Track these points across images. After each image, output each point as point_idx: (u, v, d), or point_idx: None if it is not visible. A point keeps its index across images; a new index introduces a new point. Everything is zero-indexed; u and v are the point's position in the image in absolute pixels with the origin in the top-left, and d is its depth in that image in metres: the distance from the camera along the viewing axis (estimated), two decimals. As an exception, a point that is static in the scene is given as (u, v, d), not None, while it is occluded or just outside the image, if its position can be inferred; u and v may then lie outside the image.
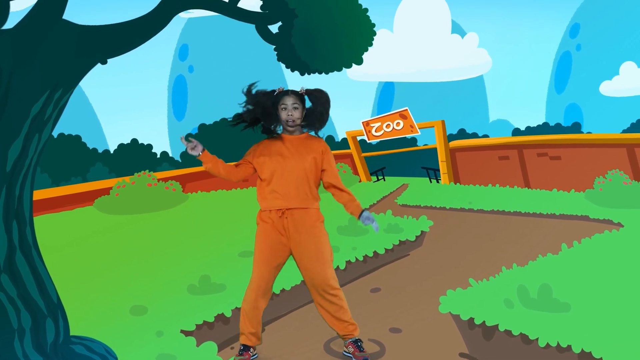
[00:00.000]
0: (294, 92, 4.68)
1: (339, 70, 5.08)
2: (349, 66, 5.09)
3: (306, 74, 5.08)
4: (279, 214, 4.71)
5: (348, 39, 5.02)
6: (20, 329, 4.10)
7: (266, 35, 5.12)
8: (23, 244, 4.24)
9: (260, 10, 5.05)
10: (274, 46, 5.13)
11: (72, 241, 9.81)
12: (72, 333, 4.79)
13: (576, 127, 31.03)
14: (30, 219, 4.37)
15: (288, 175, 4.68)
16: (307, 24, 4.92)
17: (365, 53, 5.11)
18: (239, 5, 4.97)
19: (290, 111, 4.63)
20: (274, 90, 4.70)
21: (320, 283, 4.70)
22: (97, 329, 5.16)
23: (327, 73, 5.07)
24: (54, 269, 4.79)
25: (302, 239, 4.71)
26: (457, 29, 36.92)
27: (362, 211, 4.82)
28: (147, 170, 14.55)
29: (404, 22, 36.40)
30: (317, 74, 5.07)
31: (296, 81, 5.45)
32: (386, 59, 34.78)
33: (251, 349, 4.91)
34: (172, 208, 13.69)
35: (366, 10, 5.07)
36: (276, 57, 5.12)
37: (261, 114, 4.68)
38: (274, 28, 5.11)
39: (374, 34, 5.11)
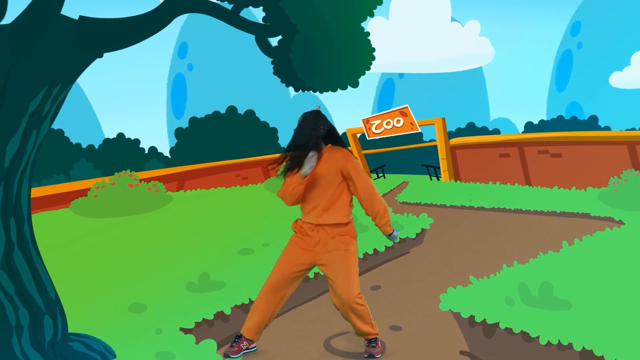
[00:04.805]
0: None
1: (334, 90, 5.06)
2: (344, 88, 5.07)
3: (300, 90, 5.06)
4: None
5: (347, 61, 5.00)
6: (18, 326, 4.08)
7: (265, 48, 5.11)
8: (21, 241, 4.22)
9: (261, 22, 5.02)
10: (272, 59, 5.12)
11: (55, 245, 9.42)
12: (70, 331, 4.76)
13: (587, 123, 30.91)
14: (29, 216, 4.35)
15: None
16: (308, 41, 4.89)
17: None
18: (241, 14, 4.94)
19: None
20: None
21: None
22: (95, 326, 5.14)
23: (321, 92, 5.06)
24: (48, 269, 4.76)
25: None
26: (455, 19, 36.75)
27: None
28: (129, 170, 13.65)
29: (400, 9, 35.92)
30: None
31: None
32: (383, 49, 34.32)
33: (245, 342, 4.93)
34: (155, 210, 12.85)
35: (368, 33, 5.04)
36: (272, 71, 5.10)
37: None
38: (273, 41, 5.09)
39: (373, 58, 5.09)
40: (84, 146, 25.73)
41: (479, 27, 36.14)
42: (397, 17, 35.84)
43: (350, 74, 5.05)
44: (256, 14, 5.19)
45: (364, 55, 5.05)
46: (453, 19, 36.57)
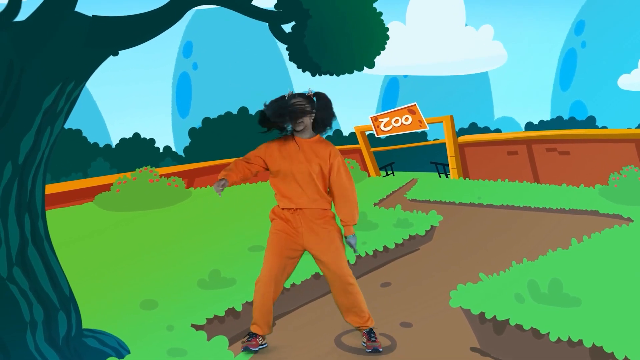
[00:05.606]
0: (301, 95, 4.83)
1: (351, 72, 5.07)
2: (361, 69, 5.08)
3: (317, 74, 5.08)
4: (291, 211, 4.89)
5: (360, 42, 5.01)
6: (32, 322, 4.11)
7: (279, 35, 5.11)
8: (35, 237, 4.25)
9: (274, 9, 5.04)
10: (287, 45, 5.13)
11: (75, 238, 9.62)
12: (84, 327, 4.79)
13: (591, 121, 30.78)
14: (43, 212, 4.39)
15: (294, 178, 4.86)
16: (321, 25, 4.90)
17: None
18: (253, 2, 4.95)
19: None
20: (284, 96, 4.81)
21: (337, 274, 4.84)
22: (108, 322, 5.16)
23: (338, 75, 5.07)
24: (63, 264, 4.80)
25: (314, 234, 4.87)
26: (469, 23, 36.66)
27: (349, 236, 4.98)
28: (149, 166, 14.04)
29: (417, 14, 35.92)
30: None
31: (300, 78, 5.43)
32: (399, 52, 34.29)
33: (259, 338, 5.00)
34: (175, 205, 13.28)
35: (380, 14, 5.04)
36: (288, 57, 5.11)
37: (273, 116, 4.77)
38: (287, 27, 5.10)
39: (387, 37, 5.09)
40: (101, 145, 26.14)
41: (492, 31, 36.04)
42: (414, 22, 35.85)
43: (365, 55, 5.07)
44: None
45: (377, 35, 5.05)
46: (467, 24, 36.50)
